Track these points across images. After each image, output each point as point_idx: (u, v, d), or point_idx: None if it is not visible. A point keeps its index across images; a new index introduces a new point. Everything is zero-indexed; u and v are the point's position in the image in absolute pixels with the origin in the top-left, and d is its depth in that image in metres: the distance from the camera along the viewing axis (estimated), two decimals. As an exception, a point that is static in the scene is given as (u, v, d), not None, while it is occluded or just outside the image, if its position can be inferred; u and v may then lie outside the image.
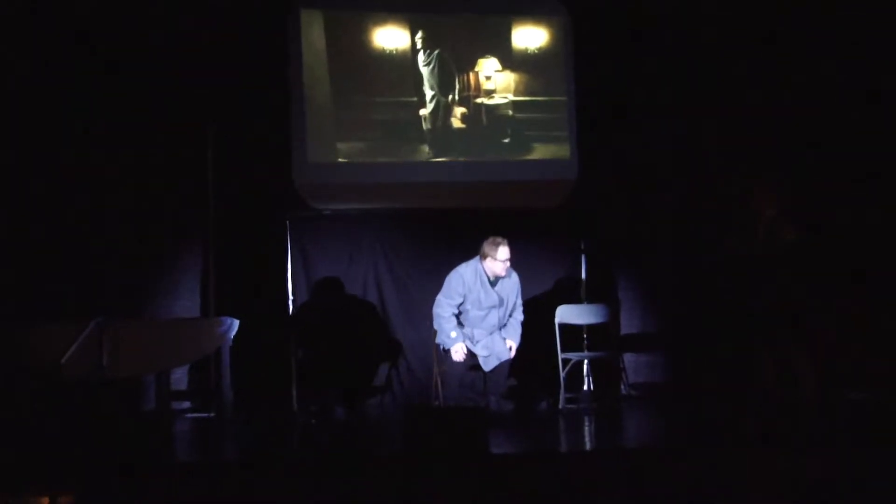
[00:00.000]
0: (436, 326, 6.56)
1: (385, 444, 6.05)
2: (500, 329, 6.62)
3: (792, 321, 6.34)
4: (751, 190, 6.55)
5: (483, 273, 6.55)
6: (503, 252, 6.49)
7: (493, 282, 6.58)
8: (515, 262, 6.77)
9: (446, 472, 5.01)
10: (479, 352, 6.50)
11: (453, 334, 6.46)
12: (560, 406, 7.01)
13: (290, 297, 7.35)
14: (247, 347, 6.92)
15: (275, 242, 7.36)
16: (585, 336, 7.54)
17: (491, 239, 6.54)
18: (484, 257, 6.54)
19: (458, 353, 6.46)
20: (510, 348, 6.58)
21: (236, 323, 6.61)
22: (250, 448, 6.07)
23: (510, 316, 6.66)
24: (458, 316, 6.61)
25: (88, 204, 7.06)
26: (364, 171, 7.57)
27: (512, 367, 6.67)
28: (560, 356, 7.05)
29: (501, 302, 6.58)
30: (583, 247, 7.72)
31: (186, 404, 7.16)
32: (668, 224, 7.68)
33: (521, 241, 7.10)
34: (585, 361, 7.50)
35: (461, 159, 7.68)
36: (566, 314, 7.25)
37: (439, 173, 7.61)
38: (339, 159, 7.60)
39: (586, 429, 6.46)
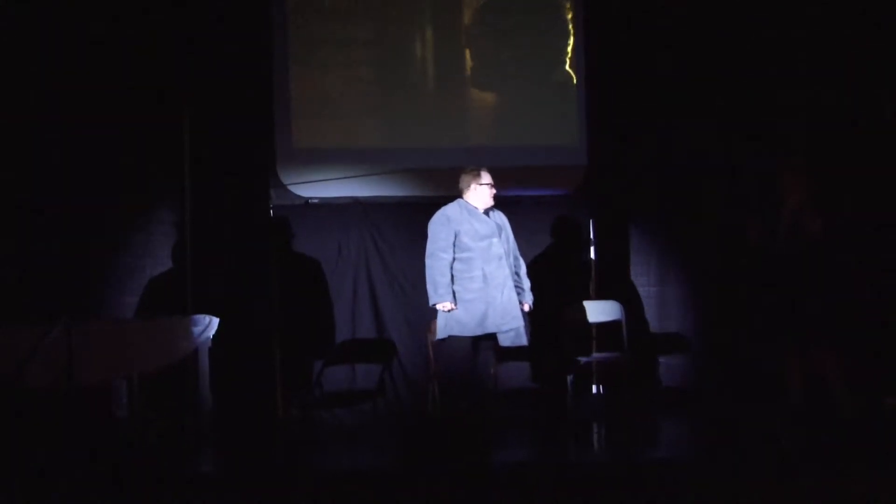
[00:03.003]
0: (428, 282, 6.23)
1: (378, 456, 5.99)
2: (513, 281, 6.31)
3: (820, 322, 6.05)
4: (778, 175, 6.19)
5: (468, 205, 6.33)
6: (486, 175, 6.32)
7: (484, 212, 6.37)
8: (521, 253, 6.61)
9: (445, 486, 4.88)
10: (510, 323, 6.15)
11: (441, 291, 6.14)
12: (566, 412, 6.91)
13: (274, 293, 7.17)
14: (227, 348, 6.67)
15: (257, 234, 7.20)
16: (594, 335, 7.36)
17: (467, 170, 6.38)
18: (465, 190, 6.34)
19: (444, 307, 6.18)
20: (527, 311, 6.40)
21: (215, 321, 6.38)
22: (230, 459, 5.97)
23: (516, 260, 6.42)
24: (460, 269, 6.24)
25: (49, 189, 6.83)
26: (355, 157, 7.38)
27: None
28: (567, 357, 6.93)
29: (500, 229, 6.32)
30: (592, 239, 7.53)
31: (161, 411, 6.79)
32: (688, 214, 7.46)
33: (525, 232, 7.01)
34: (594, 363, 7.32)
35: (462, 144, 7.50)
36: (573, 311, 7.13)
37: (437, 159, 7.41)
38: (328, 144, 7.42)
39: (595, 437, 6.45)
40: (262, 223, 7.18)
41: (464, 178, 6.36)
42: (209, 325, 6.34)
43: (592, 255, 7.53)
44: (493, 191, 6.31)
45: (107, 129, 6.97)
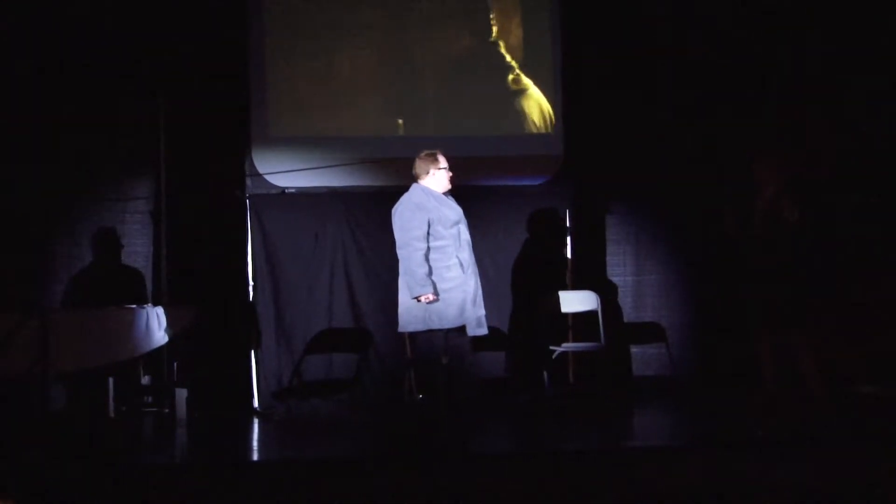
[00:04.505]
0: (406, 274, 5.89)
1: (354, 444, 5.97)
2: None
3: (793, 309, 6.02)
4: (752, 162, 6.21)
5: (431, 191, 6.00)
6: (443, 159, 6.03)
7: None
8: (497, 243, 6.74)
9: (419, 474, 4.88)
10: (479, 311, 5.96)
11: (423, 281, 5.80)
12: (543, 401, 6.93)
13: (250, 282, 7.17)
14: (203, 338, 6.70)
15: (233, 223, 7.17)
16: (570, 325, 7.34)
17: (423, 154, 6.06)
18: (423, 175, 6.02)
19: (427, 299, 5.84)
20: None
21: (191, 311, 6.37)
22: (205, 449, 5.91)
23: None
24: (436, 259, 5.96)
25: (22, 180, 6.82)
26: (331, 146, 7.33)
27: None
28: (543, 347, 6.94)
29: (462, 214, 6.05)
30: (568, 228, 7.49)
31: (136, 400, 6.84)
32: (665, 203, 7.49)
33: (501, 222, 7.10)
34: (570, 353, 7.28)
35: (437, 134, 7.39)
36: (549, 301, 7.09)
37: (413, 148, 7.03)
38: (304, 133, 7.38)
39: (570, 427, 6.33)
40: (239, 212, 7.14)
41: (420, 164, 6.03)
42: (184, 314, 6.31)
43: (569, 245, 7.51)
44: (451, 174, 6.05)
45: (81, 120, 6.93)
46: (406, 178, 7.12)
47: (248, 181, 7.19)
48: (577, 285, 7.39)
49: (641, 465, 5.01)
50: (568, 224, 7.50)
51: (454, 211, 5.98)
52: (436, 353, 5.91)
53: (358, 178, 7.30)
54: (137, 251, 7.08)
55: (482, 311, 5.95)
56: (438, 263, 5.87)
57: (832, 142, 6.79)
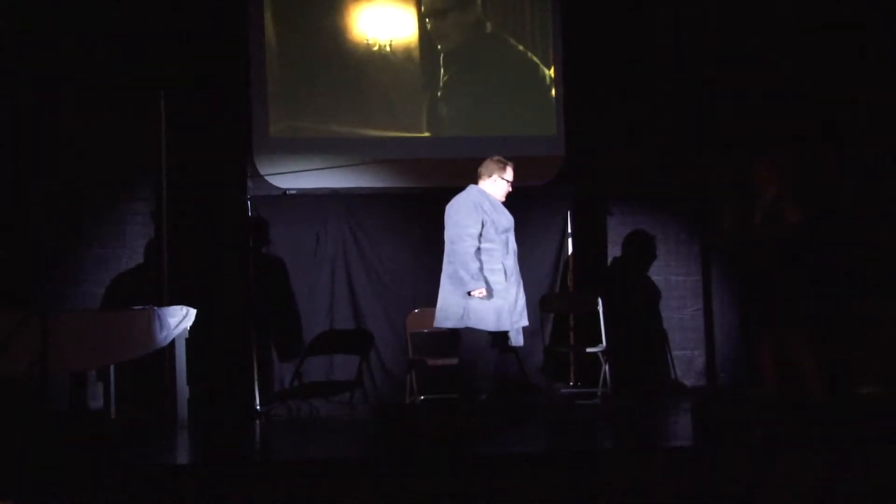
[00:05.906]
0: (459, 267, 5.83)
1: (355, 445, 5.94)
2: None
3: (793, 310, 6.01)
4: (756, 166, 6.20)
5: (489, 196, 6.01)
6: (511, 171, 6.04)
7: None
8: None
9: (420, 477, 4.83)
10: (521, 321, 5.96)
11: (476, 276, 5.78)
12: (543, 403, 6.93)
13: (251, 284, 7.14)
14: (204, 340, 6.64)
15: (234, 224, 7.15)
16: (573, 327, 7.35)
17: (496, 158, 6.06)
18: (485, 177, 6.03)
19: (481, 293, 5.81)
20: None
21: (192, 312, 6.35)
22: (205, 449, 5.87)
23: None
24: (483, 261, 5.94)
25: (24, 177, 6.86)
26: (333, 147, 7.31)
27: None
28: (544, 349, 6.95)
29: (513, 223, 6.05)
30: (570, 230, 7.45)
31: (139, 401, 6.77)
32: (667, 205, 7.48)
33: None
34: (571, 355, 7.31)
35: (438, 135, 7.46)
36: (550, 302, 7.10)
37: (414, 150, 7.38)
38: (305, 134, 7.35)
39: (571, 428, 6.30)
40: (238, 214, 7.12)
41: (488, 165, 6.04)
42: (186, 316, 6.30)
43: (570, 246, 7.46)
44: (510, 189, 6.05)
45: (81, 120, 6.95)
46: (408, 179, 7.25)
47: (249, 182, 7.16)
48: (578, 287, 7.36)
49: (642, 465, 4.97)
50: (570, 226, 7.45)
51: (506, 218, 6.00)
52: (481, 348, 5.90)
53: (359, 180, 7.27)
54: (138, 253, 7.07)
55: (524, 322, 5.97)
56: (484, 266, 5.86)
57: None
